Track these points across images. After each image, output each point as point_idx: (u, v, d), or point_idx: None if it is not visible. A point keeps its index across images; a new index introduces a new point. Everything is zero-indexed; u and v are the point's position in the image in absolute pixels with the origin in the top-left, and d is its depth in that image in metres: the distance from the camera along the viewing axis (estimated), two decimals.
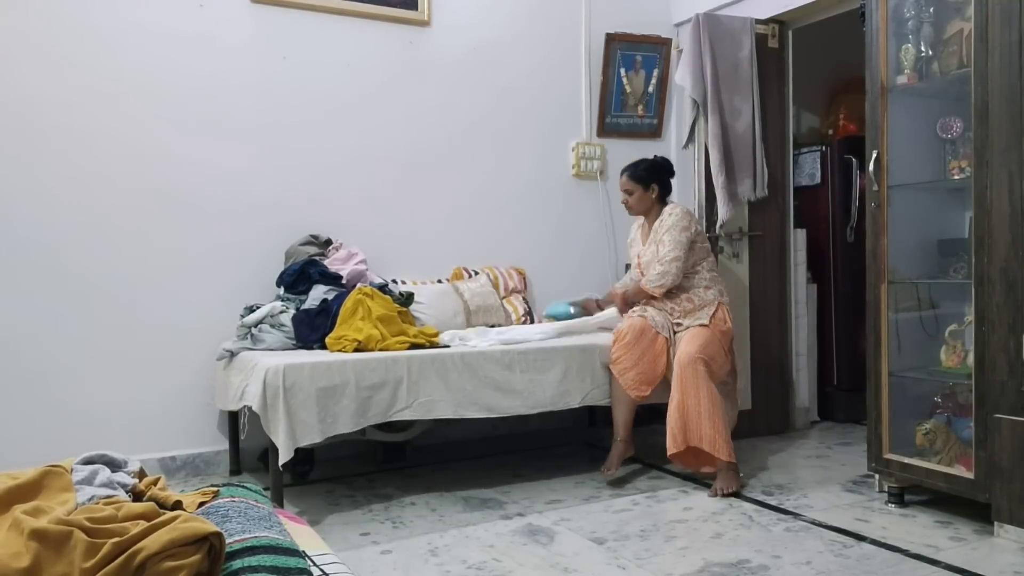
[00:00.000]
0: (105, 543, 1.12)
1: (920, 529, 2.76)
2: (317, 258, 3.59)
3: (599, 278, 4.43)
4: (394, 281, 3.77)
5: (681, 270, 3.41)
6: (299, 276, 3.48)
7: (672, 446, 3.23)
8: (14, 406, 3.23)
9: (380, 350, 3.10)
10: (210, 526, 1.18)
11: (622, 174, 3.60)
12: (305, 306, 3.36)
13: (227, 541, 1.24)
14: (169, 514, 1.21)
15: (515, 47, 4.27)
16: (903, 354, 3.08)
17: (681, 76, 4.09)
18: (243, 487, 1.60)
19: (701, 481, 3.37)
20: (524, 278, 4.24)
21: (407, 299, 3.48)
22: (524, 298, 4.14)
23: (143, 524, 1.17)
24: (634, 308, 3.55)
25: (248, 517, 1.40)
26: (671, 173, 3.65)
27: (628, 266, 3.87)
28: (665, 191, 3.59)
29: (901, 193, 3.06)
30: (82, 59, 3.34)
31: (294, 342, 3.28)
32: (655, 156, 3.70)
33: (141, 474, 1.54)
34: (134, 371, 3.44)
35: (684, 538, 2.70)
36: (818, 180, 4.63)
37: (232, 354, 3.23)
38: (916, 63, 3.02)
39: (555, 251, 4.38)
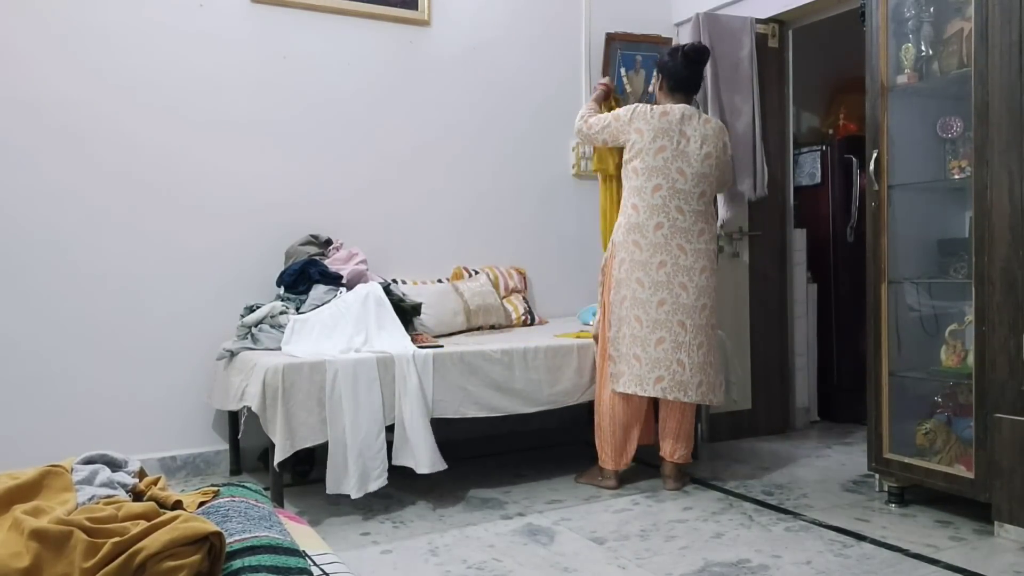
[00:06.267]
0: (105, 543, 1.12)
1: (920, 529, 2.76)
2: (317, 258, 3.58)
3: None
4: (394, 281, 3.77)
5: (582, 128, 3.36)
6: (299, 276, 3.47)
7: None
8: (14, 406, 3.23)
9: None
10: (210, 526, 1.18)
11: None
12: (305, 307, 3.35)
13: (227, 541, 1.24)
14: (169, 514, 1.21)
15: (515, 47, 4.27)
16: (903, 354, 3.08)
17: None
18: (243, 487, 1.60)
19: (702, 481, 3.37)
20: (524, 278, 4.24)
21: (415, 309, 3.46)
22: (524, 298, 4.14)
23: (143, 524, 1.17)
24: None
25: (248, 517, 1.40)
26: (682, 61, 3.22)
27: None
28: (672, 83, 3.26)
29: (901, 193, 3.06)
30: (81, 58, 3.34)
31: None
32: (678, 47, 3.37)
33: (141, 474, 1.54)
34: (134, 371, 3.44)
35: (684, 538, 2.70)
36: (818, 180, 4.63)
37: (232, 354, 3.23)
38: (916, 62, 3.02)
39: (555, 251, 4.38)
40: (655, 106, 3.23)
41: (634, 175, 3.20)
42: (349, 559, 2.45)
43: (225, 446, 3.59)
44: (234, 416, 3.45)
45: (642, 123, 3.17)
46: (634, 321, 3.16)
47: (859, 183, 4.48)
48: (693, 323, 3.17)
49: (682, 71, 3.24)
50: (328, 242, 3.72)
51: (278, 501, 2.87)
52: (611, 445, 3.27)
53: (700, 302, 3.19)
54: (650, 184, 3.16)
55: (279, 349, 3.15)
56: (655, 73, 3.39)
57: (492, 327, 3.91)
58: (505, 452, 3.92)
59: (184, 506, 1.41)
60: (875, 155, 3.02)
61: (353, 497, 2.89)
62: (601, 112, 3.44)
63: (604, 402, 3.29)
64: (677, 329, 3.15)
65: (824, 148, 4.64)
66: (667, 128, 3.16)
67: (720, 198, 3.95)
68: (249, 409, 2.92)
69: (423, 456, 2.97)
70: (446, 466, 3.00)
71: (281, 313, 3.34)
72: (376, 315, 3.23)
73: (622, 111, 3.27)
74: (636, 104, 3.27)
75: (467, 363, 3.14)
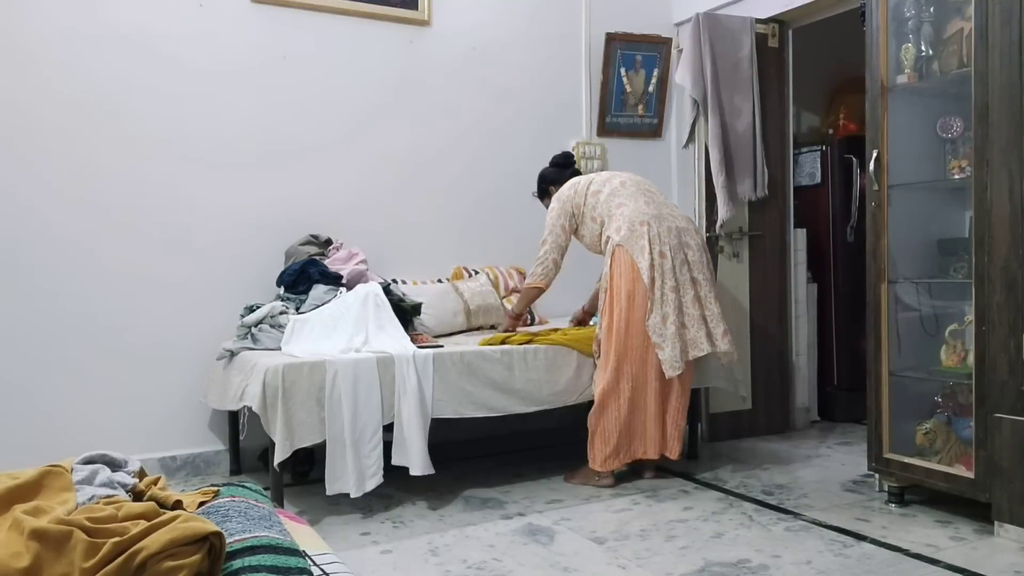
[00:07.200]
0: (105, 543, 1.12)
1: (920, 528, 2.76)
2: (317, 258, 3.58)
3: (598, 277, 4.42)
4: (394, 281, 3.77)
5: (555, 258, 3.45)
6: (299, 276, 3.47)
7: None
8: (15, 406, 3.23)
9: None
10: (210, 526, 1.18)
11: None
12: (305, 307, 3.35)
13: (227, 541, 1.23)
14: (169, 514, 1.21)
15: (515, 47, 4.27)
16: (903, 354, 3.08)
17: (681, 76, 4.10)
18: (243, 487, 1.60)
19: (702, 481, 3.37)
20: (524, 278, 4.23)
21: (415, 309, 3.46)
22: None
23: (143, 524, 1.17)
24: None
25: (248, 517, 1.39)
26: (558, 165, 3.71)
27: None
28: (560, 182, 3.61)
29: (901, 193, 3.06)
30: (81, 57, 3.34)
31: None
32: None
33: (141, 474, 1.54)
34: (134, 371, 3.44)
35: (684, 537, 2.70)
36: (818, 180, 4.62)
37: (232, 354, 3.23)
38: (916, 62, 3.02)
39: None
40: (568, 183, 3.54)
41: (599, 200, 3.37)
42: (349, 559, 2.45)
43: (225, 446, 3.59)
44: (234, 416, 3.45)
45: (582, 184, 3.45)
46: (670, 292, 3.20)
47: (859, 183, 4.48)
48: (703, 276, 3.30)
49: (563, 172, 3.68)
50: (328, 242, 3.72)
51: (278, 501, 2.87)
52: (613, 447, 3.26)
53: (702, 257, 3.32)
54: (618, 185, 3.38)
55: (279, 349, 3.15)
56: (546, 188, 3.69)
57: (492, 327, 3.90)
58: (505, 452, 3.92)
59: (184, 506, 1.41)
60: (875, 155, 3.02)
61: (353, 496, 2.89)
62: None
63: (610, 405, 3.24)
64: (695, 286, 3.28)
65: (824, 148, 4.64)
66: (595, 175, 3.52)
67: (719, 198, 3.95)
68: (250, 409, 2.92)
69: (416, 458, 2.98)
70: (433, 471, 3.00)
71: (281, 313, 3.34)
72: (376, 315, 3.24)
73: (559, 210, 3.44)
74: (561, 199, 3.47)
75: (467, 363, 3.14)
